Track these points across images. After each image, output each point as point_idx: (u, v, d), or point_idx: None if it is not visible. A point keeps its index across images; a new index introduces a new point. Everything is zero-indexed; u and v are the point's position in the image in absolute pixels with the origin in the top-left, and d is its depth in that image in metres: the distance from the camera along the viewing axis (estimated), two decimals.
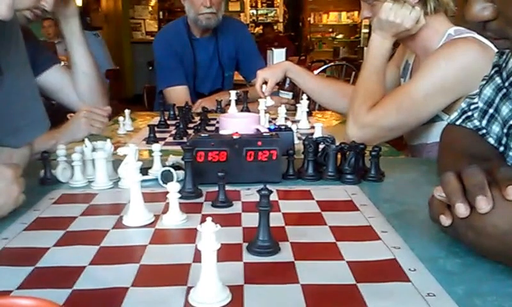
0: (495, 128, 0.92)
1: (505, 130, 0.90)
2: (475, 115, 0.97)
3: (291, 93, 1.88)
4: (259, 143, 0.96)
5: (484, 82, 0.97)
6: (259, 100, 1.62)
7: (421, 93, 1.25)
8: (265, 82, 1.72)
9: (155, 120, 1.73)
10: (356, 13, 10.65)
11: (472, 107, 0.98)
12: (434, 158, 1.13)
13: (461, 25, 1.33)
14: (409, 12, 1.28)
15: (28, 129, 1.06)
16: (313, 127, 1.48)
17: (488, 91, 0.95)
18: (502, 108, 0.90)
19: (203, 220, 0.55)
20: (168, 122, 1.71)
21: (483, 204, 0.58)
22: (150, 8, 9.23)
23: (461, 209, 0.60)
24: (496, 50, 0.96)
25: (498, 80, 0.93)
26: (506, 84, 0.91)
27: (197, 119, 1.77)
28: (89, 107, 1.54)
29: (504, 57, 0.93)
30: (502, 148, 0.92)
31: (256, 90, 1.74)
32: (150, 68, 4.65)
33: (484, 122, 0.94)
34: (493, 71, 0.95)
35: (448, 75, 1.23)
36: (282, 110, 1.61)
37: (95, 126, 1.47)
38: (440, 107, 1.27)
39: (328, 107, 1.83)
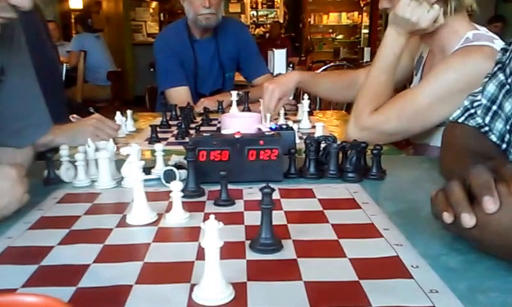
0: (498, 125, 0.92)
1: (508, 127, 0.90)
2: (478, 112, 0.96)
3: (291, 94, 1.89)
4: (261, 142, 0.97)
5: (487, 79, 0.97)
6: (260, 100, 1.62)
7: (425, 102, 1.23)
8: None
9: (157, 121, 1.73)
10: (356, 13, 10.67)
11: (475, 104, 0.98)
12: (435, 157, 1.13)
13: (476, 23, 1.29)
14: (427, 11, 1.23)
15: (31, 130, 1.07)
16: (314, 127, 1.48)
17: (492, 87, 0.94)
18: (505, 104, 0.91)
19: (206, 219, 0.55)
20: (170, 122, 1.71)
21: (490, 204, 0.58)
22: (151, 10, 9.24)
23: (466, 219, 0.60)
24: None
25: (501, 76, 0.93)
26: (509, 80, 0.91)
27: (199, 119, 1.78)
28: (100, 116, 1.49)
29: (508, 54, 0.93)
30: (504, 145, 0.92)
31: (256, 92, 1.71)
32: (152, 69, 4.66)
33: (488, 119, 0.94)
34: (496, 68, 0.95)
35: (455, 87, 1.19)
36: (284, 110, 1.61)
37: (100, 137, 1.34)
38: (444, 117, 1.23)
39: (343, 102, 1.82)
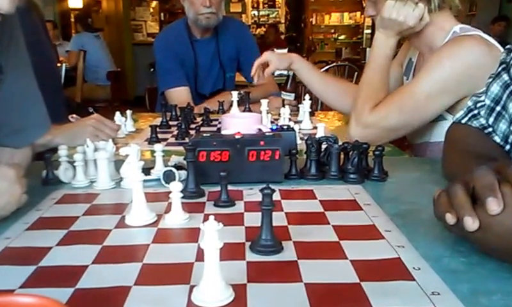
0: (502, 126, 0.92)
1: None
2: (482, 113, 0.96)
3: (293, 94, 1.88)
4: (261, 143, 0.96)
5: (490, 79, 0.97)
6: (261, 100, 1.62)
7: (424, 93, 1.23)
8: (267, 65, 1.70)
9: (157, 121, 1.72)
10: (358, 13, 10.64)
11: (479, 105, 0.97)
12: (437, 157, 1.13)
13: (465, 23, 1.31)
14: (412, 9, 1.26)
15: (29, 130, 1.06)
16: (315, 127, 1.48)
17: (496, 88, 0.94)
18: (509, 105, 0.90)
19: (205, 220, 0.55)
20: (170, 123, 1.70)
21: (494, 205, 0.57)
22: (151, 10, 9.23)
23: (469, 222, 0.59)
24: (501, 49, 0.95)
25: (505, 77, 0.92)
26: None
27: (199, 119, 1.77)
28: (100, 116, 1.48)
29: None
30: (508, 147, 0.91)
31: (257, 93, 1.71)
32: (152, 69, 4.66)
33: (491, 120, 0.94)
34: (500, 68, 0.95)
35: (451, 75, 1.21)
36: (286, 111, 1.60)
37: (99, 138, 1.32)
38: (444, 106, 1.25)
39: (330, 105, 1.81)
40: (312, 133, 1.50)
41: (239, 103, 1.81)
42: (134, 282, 0.60)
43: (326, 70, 4.48)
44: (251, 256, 0.66)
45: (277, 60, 1.68)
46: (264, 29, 9.87)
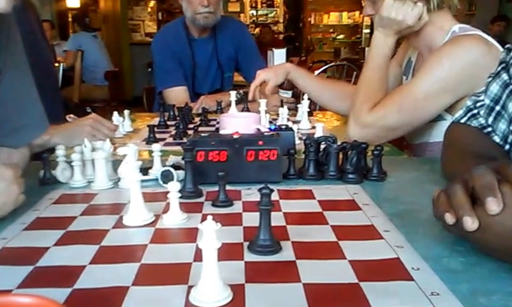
0: (501, 125, 0.92)
1: (511, 128, 0.89)
2: (481, 112, 0.96)
3: (290, 92, 1.88)
4: (260, 143, 0.96)
5: (490, 78, 0.96)
6: (260, 100, 1.61)
7: (423, 93, 1.23)
8: (264, 82, 1.70)
9: (155, 121, 1.72)
10: (357, 13, 10.64)
11: (478, 104, 0.97)
12: (436, 157, 1.13)
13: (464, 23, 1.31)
14: (411, 9, 1.26)
15: (27, 129, 1.06)
16: (314, 127, 1.48)
17: (495, 87, 0.94)
18: (509, 105, 0.90)
19: (203, 220, 0.55)
20: (168, 123, 1.70)
21: (493, 205, 0.57)
22: (149, 9, 9.22)
23: (468, 222, 0.59)
24: (501, 48, 0.95)
25: (505, 76, 0.92)
26: None
27: (197, 119, 1.77)
28: (97, 116, 1.49)
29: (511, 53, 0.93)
30: (507, 146, 0.91)
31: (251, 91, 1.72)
32: (150, 69, 4.65)
33: (491, 119, 0.94)
34: (499, 68, 0.95)
35: (450, 74, 1.20)
36: (284, 110, 1.60)
37: (96, 137, 1.32)
38: (443, 106, 1.25)
39: (328, 108, 1.81)
40: (310, 133, 1.50)
41: (237, 103, 1.80)
42: (132, 282, 0.59)
43: (325, 70, 4.48)
44: (250, 256, 0.66)
45: (274, 76, 1.69)
46: (259, 30, 9.84)
